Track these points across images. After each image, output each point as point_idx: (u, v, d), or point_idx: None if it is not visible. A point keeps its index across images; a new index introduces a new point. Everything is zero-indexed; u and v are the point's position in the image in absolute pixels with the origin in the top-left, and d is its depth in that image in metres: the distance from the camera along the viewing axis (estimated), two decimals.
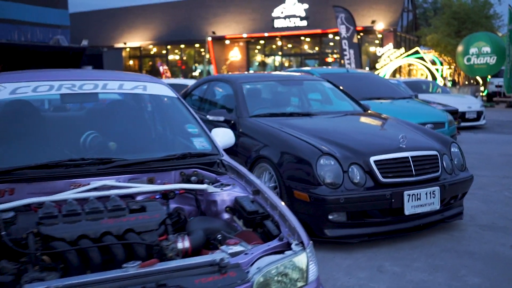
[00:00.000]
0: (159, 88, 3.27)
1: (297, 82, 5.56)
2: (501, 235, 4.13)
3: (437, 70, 22.57)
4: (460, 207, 4.34)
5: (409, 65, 26.28)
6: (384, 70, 23.22)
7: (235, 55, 32.18)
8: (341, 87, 5.82)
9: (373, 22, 25.88)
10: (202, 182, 2.46)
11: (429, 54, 24.32)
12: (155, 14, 37.29)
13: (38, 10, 25.97)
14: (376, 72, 23.83)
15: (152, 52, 36.27)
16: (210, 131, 3.03)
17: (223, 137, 3.11)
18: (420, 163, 3.94)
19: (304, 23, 27.75)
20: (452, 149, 4.36)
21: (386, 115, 5.32)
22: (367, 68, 25.33)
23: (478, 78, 21.58)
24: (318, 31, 27.37)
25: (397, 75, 26.99)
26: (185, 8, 36.05)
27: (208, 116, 4.95)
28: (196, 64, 35.08)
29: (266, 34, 29.48)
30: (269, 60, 32.13)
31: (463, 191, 4.26)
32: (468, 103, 12.58)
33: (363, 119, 4.99)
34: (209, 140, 2.96)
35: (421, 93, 13.19)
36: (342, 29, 18.68)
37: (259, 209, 2.14)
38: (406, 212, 3.74)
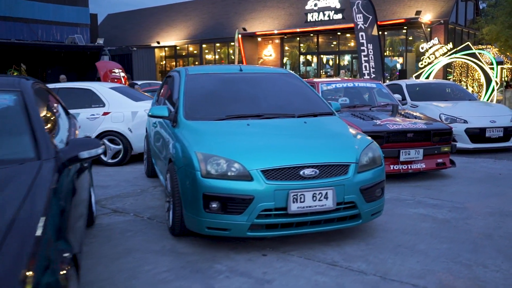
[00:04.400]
0: None
1: None
2: None
3: (492, 69, 18.23)
4: None
5: (463, 63, 21.88)
6: (428, 70, 19.19)
7: (269, 53, 29.24)
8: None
9: (417, 13, 21.81)
10: None
11: (485, 52, 19.90)
12: (195, 11, 35.28)
13: (54, 8, 24.51)
14: (417, 73, 19.89)
15: (194, 51, 34.01)
16: None
17: None
18: None
19: (339, 16, 24.20)
20: None
21: None
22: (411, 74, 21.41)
23: None
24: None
25: (452, 76, 22.71)
26: (222, 4, 33.71)
27: None
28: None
29: (298, 30, 26.26)
30: (308, 58, 28.81)
31: None
32: (492, 115, 8.83)
33: None
34: None
35: (434, 100, 9.65)
36: (359, 19, 15.18)
37: None
38: None
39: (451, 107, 9.18)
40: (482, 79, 17.94)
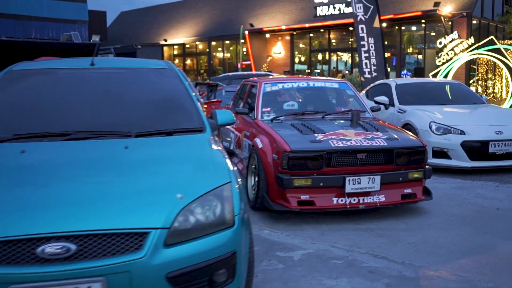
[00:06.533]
0: None
1: None
2: None
3: None
4: None
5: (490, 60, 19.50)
6: (447, 67, 16.97)
7: (278, 51, 27.40)
8: None
9: (436, 4, 19.59)
10: None
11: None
12: (206, 7, 33.81)
13: (49, 4, 23.32)
14: (434, 72, 17.71)
15: (205, 49, 32.40)
16: None
17: None
18: None
19: (350, 9, 22.15)
20: None
21: None
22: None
23: None
24: None
25: (476, 75, 20.40)
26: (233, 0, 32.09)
27: None
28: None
29: (307, 25, 24.34)
30: (320, 56, 26.82)
31: None
32: (499, 123, 6.80)
33: None
34: None
35: (430, 103, 7.72)
36: (359, 9, 13.24)
37: None
38: None
39: (446, 113, 7.20)
40: (509, 77, 15.70)
